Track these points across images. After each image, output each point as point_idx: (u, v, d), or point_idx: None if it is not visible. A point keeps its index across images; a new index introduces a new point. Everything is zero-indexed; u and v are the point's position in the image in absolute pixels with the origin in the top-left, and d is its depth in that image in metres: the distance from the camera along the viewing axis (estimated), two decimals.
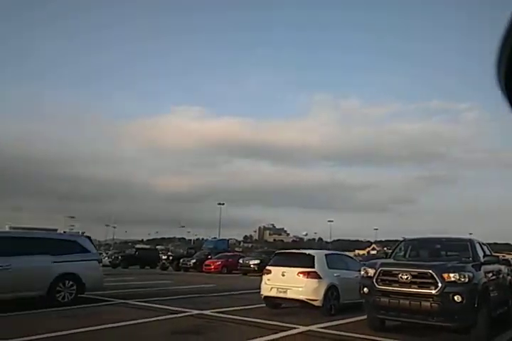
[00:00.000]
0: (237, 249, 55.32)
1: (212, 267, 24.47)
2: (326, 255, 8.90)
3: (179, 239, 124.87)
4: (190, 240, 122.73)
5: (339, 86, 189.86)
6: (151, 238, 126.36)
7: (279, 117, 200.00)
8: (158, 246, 66.78)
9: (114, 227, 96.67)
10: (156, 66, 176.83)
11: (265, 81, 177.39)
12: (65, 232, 20.63)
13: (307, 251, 9.17)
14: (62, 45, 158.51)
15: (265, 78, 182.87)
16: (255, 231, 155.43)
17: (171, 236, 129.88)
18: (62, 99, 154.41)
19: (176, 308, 8.54)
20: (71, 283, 8.75)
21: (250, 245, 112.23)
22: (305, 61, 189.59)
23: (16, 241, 8.39)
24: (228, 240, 55.04)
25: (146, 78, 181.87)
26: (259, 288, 8.94)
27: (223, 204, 69.67)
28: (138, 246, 57.03)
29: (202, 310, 8.41)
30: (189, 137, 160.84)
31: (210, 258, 26.09)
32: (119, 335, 6.23)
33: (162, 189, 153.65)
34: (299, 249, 11.61)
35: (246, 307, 9.06)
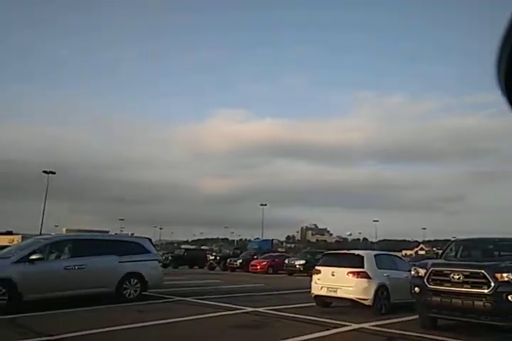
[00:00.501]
0: (279, 250, 55.65)
1: (259, 267, 25.00)
2: (375, 255, 9.10)
3: (222, 239, 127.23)
4: (234, 241, 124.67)
5: (382, 83, 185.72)
6: (195, 239, 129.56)
7: (320, 117, 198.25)
8: (202, 247, 68.61)
9: (161, 229, 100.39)
10: (198, 71, 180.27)
11: (305, 81, 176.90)
12: (132, 234, 21.86)
13: (356, 252, 9.40)
14: (108, 54, 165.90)
15: (305, 78, 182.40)
16: (298, 232, 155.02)
17: (215, 236, 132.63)
18: (114, 108, 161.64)
19: (231, 305, 9.08)
20: (136, 281, 9.53)
21: (293, 245, 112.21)
22: (345, 60, 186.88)
23: (89, 243, 9.30)
24: (272, 240, 55.50)
25: (192, 83, 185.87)
26: (307, 288, 9.26)
27: (265, 204, 70.26)
28: (185, 246, 58.97)
29: (256, 307, 8.89)
30: (231, 139, 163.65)
31: (256, 259, 26.65)
32: (189, 327, 6.84)
33: (206, 191, 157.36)
34: (343, 249, 11.83)
35: (296, 305, 9.43)
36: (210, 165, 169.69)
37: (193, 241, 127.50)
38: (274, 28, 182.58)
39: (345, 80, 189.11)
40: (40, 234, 59.04)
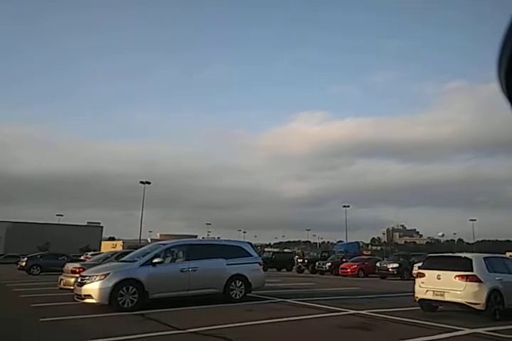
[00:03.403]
0: (365, 252, 54.08)
1: (349, 270, 24.74)
2: (484, 258, 8.71)
3: (304, 242, 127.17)
4: (316, 243, 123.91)
5: (474, 71, 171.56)
6: (277, 241, 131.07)
7: (405, 113, 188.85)
8: (285, 250, 69.26)
9: (245, 232, 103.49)
10: (279, 76, 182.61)
11: (388, 77, 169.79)
12: (218, 238, 23.15)
13: (463, 255, 9.09)
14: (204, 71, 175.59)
15: (389, 74, 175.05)
16: (384, 233, 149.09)
17: (296, 239, 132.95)
18: (202, 120, 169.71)
19: (333, 307, 9.32)
20: (240, 282, 10.24)
21: (379, 248, 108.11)
22: (429, 51, 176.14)
23: (200, 247, 10.26)
24: (359, 243, 54.17)
25: (272, 89, 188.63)
26: (405, 292, 9.09)
27: (348, 206, 68.84)
28: (270, 249, 60.11)
29: (358, 310, 9.01)
30: (312, 142, 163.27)
31: (346, 262, 26.40)
32: (298, 326, 7.26)
33: (287, 194, 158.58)
34: (436, 252, 11.34)
35: (400, 309, 9.36)
36: (291, 169, 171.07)
37: (275, 244, 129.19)
38: (353, 27, 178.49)
39: (432, 71, 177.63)
40: (140, 240, 64.25)
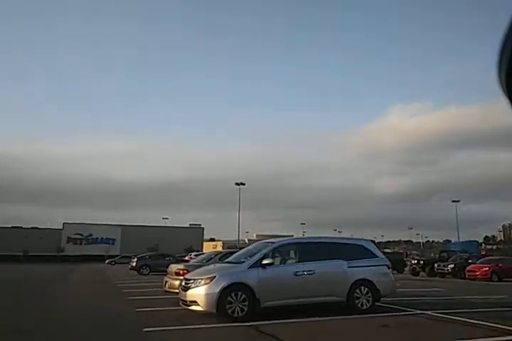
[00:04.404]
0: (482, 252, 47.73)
1: (478, 273, 21.08)
2: None
3: (405, 241, 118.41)
4: (418, 243, 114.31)
5: None
6: (376, 241, 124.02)
7: None
8: (385, 250, 64.47)
9: (340, 232, 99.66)
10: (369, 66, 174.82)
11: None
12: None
13: None
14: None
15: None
16: (500, 231, 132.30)
17: (396, 239, 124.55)
18: (293, 120, 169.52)
19: (497, 325, 7.01)
20: (367, 289, 8.43)
21: (495, 247, 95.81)
22: None
23: (314, 246, 8.68)
24: (477, 242, 48.00)
25: (363, 82, 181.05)
26: None
27: (458, 201, 61.69)
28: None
29: None
30: (407, 135, 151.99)
31: (473, 263, 22.68)
32: None
33: (383, 191, 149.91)
34: None
35: None
36: (385, 165, 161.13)
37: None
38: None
39: None
40: (238, 240, 65.37)
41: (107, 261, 55.41)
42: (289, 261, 8.42)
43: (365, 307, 8.33)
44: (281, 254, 8.42)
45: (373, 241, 9.65)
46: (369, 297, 8.42)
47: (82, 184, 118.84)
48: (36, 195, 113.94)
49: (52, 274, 26.46)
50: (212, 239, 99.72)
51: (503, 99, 1.10)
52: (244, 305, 7.38)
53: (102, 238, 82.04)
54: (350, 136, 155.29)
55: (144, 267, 24.26)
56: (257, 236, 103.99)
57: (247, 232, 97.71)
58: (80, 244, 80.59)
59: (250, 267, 7.72)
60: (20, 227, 77.43)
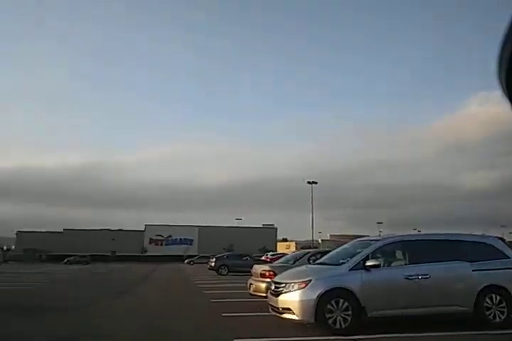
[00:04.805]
0: None
1: None
2: None
3: None
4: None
5: None
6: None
7: None
8: None
9: (419, 231, 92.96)
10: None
11: None
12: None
13: None
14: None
15: None
16: None
17: None
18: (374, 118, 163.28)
19: None
20: (499, 298, 6.75)
21: None
22: None
23: (428, 245, 7.19)
24: None
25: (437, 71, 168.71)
26: None
27: None
28: None
29: None
30: (490, 125, 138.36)
31: None
32: None
33: (466, 187, 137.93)
34: None
35: None
36: (467, 158, 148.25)
37: None
38: None
39: None
40: (312, 240, 63.64)
41: (186, 261, 57.03)
42: (397, 263, 7.02)
43: (498, 320, 6.66)
44: (386, 254, 7.03)
45: (502, 239, 7.85)
46: (502, 307, 6.72)
47: (161, 188, 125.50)
48: (122, 200, 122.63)
49: (140, 273, 27.39)
50: (285, 240, 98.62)
51: (503, 99, 1.10)
52: (347, 315, 6.17)
53: (180, 239, 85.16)
54: (426, 131, 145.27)
55: (222, 267, 23.96)
56: (330, 236, 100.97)
57: (320, 232, 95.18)
58: (161, 244, 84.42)
59: (351, 269, 6.49)
60: (108, 229, 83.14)
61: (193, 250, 78.89)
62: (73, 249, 69.54)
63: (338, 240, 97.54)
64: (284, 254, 39.74)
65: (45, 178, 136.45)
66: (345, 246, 8.04)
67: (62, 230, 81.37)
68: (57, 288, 16.34)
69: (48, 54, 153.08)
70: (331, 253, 8.10)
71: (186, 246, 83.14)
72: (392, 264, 7.04)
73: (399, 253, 7.15)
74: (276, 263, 9.87)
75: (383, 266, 6.78)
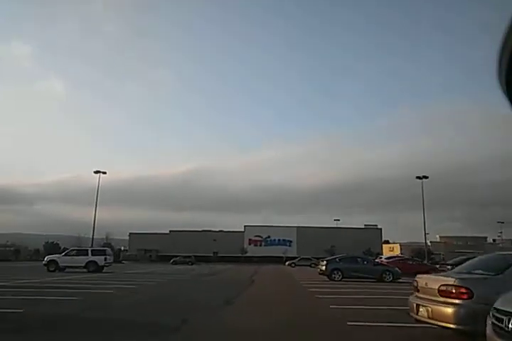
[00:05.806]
0: None
1: None
2: None
3: None
4: None
5: None
6: None
7: None
8: None
9: None
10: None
11: None
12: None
13: None
14: None
15: None
16: None
17: None
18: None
19: None
20: None
21: None
22: None
23: None
24: None
25: None
26: None
27: None
28: None
29: None
30: None
31: None
32: None
33: None
34: None
35: None
36: None
37: None
38: None
39: None
40: (426, 243, 56.55)
41: (287, 263, 54.78)
42: None
43: None
44: None
45: None
46: None
47: (262, 191, 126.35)
48: (223, 203, 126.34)
49: (244, 274, 25.73)
50: (387, 241, 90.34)
51: (503, 100, 1.11)
52: None
53: (279, 239, 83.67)
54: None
55: (335, 271, 20.80)
56: (440, 237, 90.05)
57: (427, 234, 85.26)
58: (260, 245, 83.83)
59: None
60: (210, 231, 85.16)
61: (291, 251, 76.66)
62: (178, 249, 72.26)
63: (450, 242, 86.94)
64: (401, 257, 34.36)
65: (154, 185, 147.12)
66: None
67: (168, 232, 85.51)
68: (185, 290, 14.89)
69: None
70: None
71: (285, 247, 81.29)
72: None
73: None
74: (457, 273, 6.12)
75: None
